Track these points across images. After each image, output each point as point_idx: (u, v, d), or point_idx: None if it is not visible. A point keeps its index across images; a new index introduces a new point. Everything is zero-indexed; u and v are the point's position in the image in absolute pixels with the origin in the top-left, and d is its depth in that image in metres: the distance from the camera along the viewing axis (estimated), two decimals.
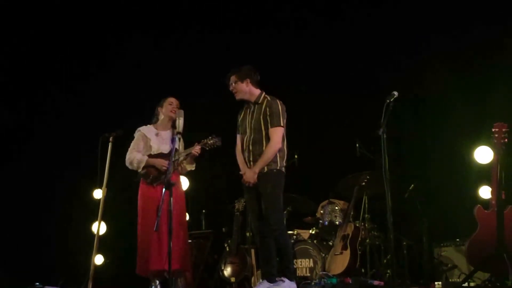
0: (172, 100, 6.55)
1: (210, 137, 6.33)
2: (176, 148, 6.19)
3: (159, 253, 6.04)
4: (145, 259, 6.18)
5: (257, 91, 6.13)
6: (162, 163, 6.27)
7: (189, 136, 6.27)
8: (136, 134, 6.55)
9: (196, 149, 6.31)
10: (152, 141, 6.44)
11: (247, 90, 6.11)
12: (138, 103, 8.70)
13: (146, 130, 6.53)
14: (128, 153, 6.47)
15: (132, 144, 6.51)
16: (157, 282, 6.28)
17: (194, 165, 6.54)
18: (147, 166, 6.37)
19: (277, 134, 5.94)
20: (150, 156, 6.40)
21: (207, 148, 6.32)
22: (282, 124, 5.96)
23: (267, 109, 5.99)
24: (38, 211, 9.22)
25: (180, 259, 6.19)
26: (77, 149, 9.00)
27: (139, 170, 6.39)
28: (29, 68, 9.40)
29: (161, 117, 6.56)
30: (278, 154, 5.97)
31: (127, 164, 6.45)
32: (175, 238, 6.10)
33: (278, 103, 6.03)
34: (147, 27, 9.39)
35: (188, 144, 6.40)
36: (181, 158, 6.37)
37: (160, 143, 6.44)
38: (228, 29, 9.12)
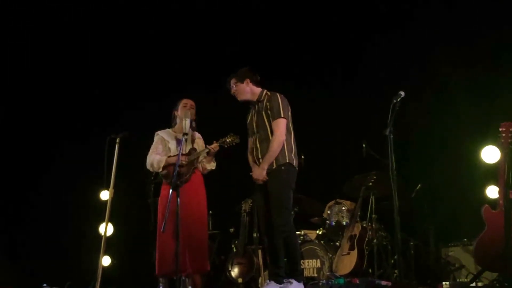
0: (186, 101, 6.55)
1: (228, 135, 6.34)
2: (194, 148, 6.26)
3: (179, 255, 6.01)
4: (165, 261, 6.16)
5: (258, 90, 6.14)
6: (182, 159, 6.20)
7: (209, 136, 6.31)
8: (155, 138, 6.60)
9: (213, 146, 6.31)
10: (171, 143, 6.48)
11: (248, 90, 6.13)
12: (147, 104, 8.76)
13: (165, 133, 6.56)
14: (148, 157, 6.52)
15: (151, 147, 6.56)
16: (166, 283, 6.29)
17: (214, 164, 6.54)
18: (167, 166, 6.38)
19: (279, 126, 5.91)
20: (169, 157, 6.43)
21: (226, 146, 6.33)
22: (283, 115, 5.92)
23: (267, 104, 6.00)
24: (45, 212, 9.25)
25: (198, 261, 6.19)
26: (84, 150, 9.01)
27: (160, 171, 6.42)
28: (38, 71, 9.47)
29: (178, 120, 6.57)
30: (285, 148, 5.93)
31: (148, 167, 6.50)
32: (194, 239, 6.12)
33: (278, 95, 6.02)
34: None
35: (208, 143, 6.44)
36: (201, 157, 6.38)
37: (179, 145, 6.44)
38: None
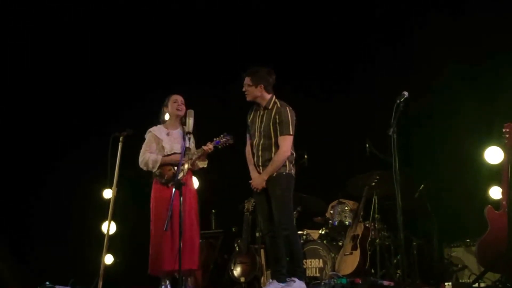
0: (176, 97, 6.54)
1: (222, 135, 6.36)
2: (188, 147, 6.23)
3: (172, 253, 6.03)
4: (159, 259, 6.18)
5: (268, 96, 6.12)
6: (177, 159, 6.20)
7: (201, 135, 6.30)
8: (147, 135, 6.53)
9: (209, 147, 6.32)
10: (164, 141, 6.44)
11: (259, 94, 6.12)
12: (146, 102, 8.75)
13: (157, 130, 6.51)
14: (141, 155, 6.46)
15: (144, 145, 6.50)
16: (167, 281, 6.30)
17: (206, 162, 6.54)
18: (162, 166, 6.37)
19: (286, 143, 5.96)
20: (164, 156, 6.41)
21: (220, 147, 6.35)
22: (291, 133, 5.98)
23: (277, 116, 6.00)
24: (48, 210, 9.25)
25: (192, 259, 6.21)
26: (87, 149, 9.02)
27: (154, 170, 6.40)
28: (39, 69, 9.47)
29: (168, 116, 6.56)
30: (287, 159, 6.00)
31: (141, 165, 6.43)
32: (188, 237, 6.13)
33: (288, 110, 6.03)
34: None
35: (199, 142, 6.42)
36: (195, 157, 6.38)
37: (172, 142, 6.44)
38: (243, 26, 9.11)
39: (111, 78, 9.39)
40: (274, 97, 6.13)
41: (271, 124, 6.01)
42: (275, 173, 5.96)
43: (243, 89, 6.15)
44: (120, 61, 9.29)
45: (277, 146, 5.97)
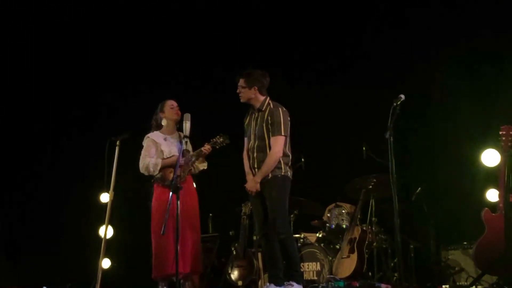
0: (172, 102, 6.56)
1: (218, 136, 6.37)
2: (187, 149, 6.24)
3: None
4: (162, 263, 6.17)
5: (262, 98, 6.13)
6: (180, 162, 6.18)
7: (197, 138, 6.31)
8: (146, 141, 6.55)
9: (206, 148, 6.33)
10: (163, 145, 6.46)
11: (252, 96, 6.12)
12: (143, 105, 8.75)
13: (155, 135, 6.53)
14: (141, 160, 6.47)
15: (143, 151, 6.51)
16: (164, 285, 6.29)
17: (206, 164, 6.56)
18: (162, 169, 6.38)
19: (278, 144, 5.95)
20: (163, 159, 6.42)
21: (217, 147, 6.36)
22: (283, 133, 5.96)
23: (269, 118, 6.00)
24: (45, 214, 9.25)
25: (193, 262, 6.21)
26: (84, 153, 9.01)
27: (155, 174, 6.40)
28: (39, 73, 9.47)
29: (164, 122, 6.55)
30: (282, 160, 5.99)
31: (142, 171, 6.45)
32: (189, 240, 6.13)
33: (280, 111, 6.03)
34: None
35: (196, 145, 6.43)
36: (193, 159, 6.39)
37: (170, 146, 6.46)
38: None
39: (110, 80, 9.39)
40: (268, 99, 6.14)
41: (264, 125, 6.02)
42: (270, 175, 5.95)
43: (237, 91, 6.16)
44: (117, 64, 9.29)
45: (271, 148, 5.97)
